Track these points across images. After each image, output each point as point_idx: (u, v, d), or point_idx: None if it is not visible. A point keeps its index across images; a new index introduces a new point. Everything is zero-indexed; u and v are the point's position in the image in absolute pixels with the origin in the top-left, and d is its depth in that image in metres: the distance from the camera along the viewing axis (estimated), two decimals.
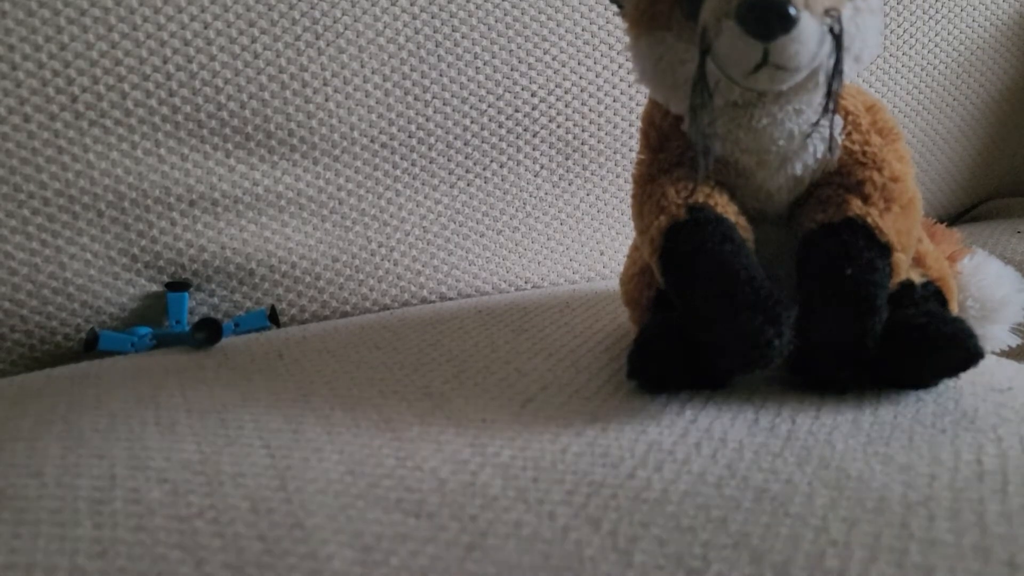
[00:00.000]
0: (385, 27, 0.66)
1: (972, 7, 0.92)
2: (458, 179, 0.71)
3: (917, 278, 0.42)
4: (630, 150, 0.77)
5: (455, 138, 0.70)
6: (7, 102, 0.57)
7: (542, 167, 0.74)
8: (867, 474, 0.31)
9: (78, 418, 0.42)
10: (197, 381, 0.47)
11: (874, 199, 0.39)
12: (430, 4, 0.68)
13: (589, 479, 0.32)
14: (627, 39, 0.42)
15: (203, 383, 0.46)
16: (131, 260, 0.62)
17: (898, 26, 0.88)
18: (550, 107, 0.73)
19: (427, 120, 0.69)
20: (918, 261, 0.43)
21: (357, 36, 0.66)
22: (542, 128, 0.73)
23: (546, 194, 0.74)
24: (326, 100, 0.65)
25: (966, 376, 0.39)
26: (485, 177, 0.72)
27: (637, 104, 0.76)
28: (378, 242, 0.69)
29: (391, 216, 0.69)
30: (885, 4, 0.87)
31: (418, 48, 0.68)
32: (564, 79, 0.73)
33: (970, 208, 1.02)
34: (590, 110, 0.75)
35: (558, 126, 0.74)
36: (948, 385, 0.39)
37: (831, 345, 0.37)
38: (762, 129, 0.40)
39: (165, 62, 0.60)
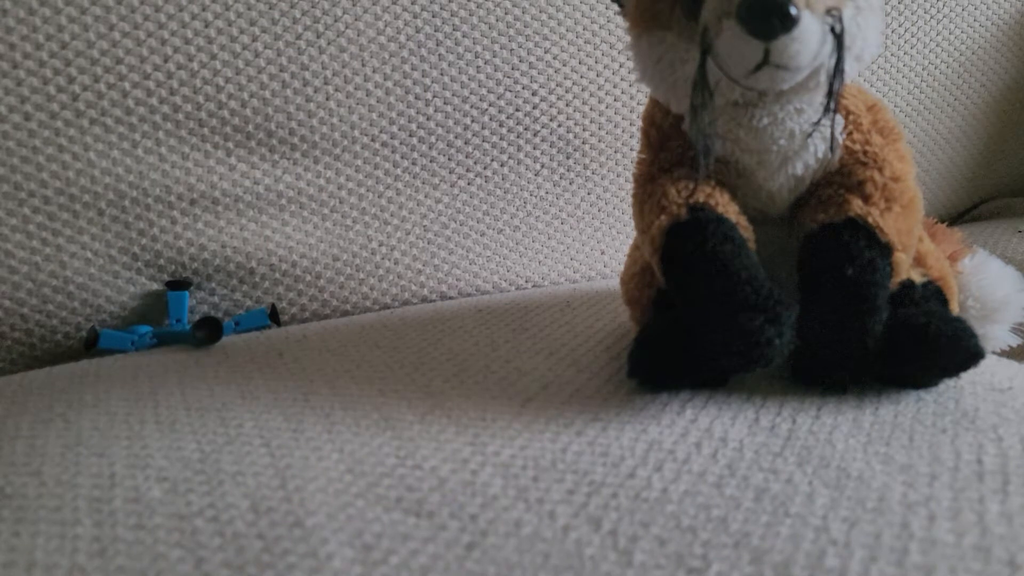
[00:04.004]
0: (386, 26, 0.66)
1: (973, 6, 0.92)
2: (458, 178, 0.71)
3: (918, 278, 0.42)
4: (631, 149, 0.77)
5: (455, 137, 0.70)
6: (7, 100, 0.57)
7: (542, 166, 0.74)
8: (867, 474, 0.31)
9: (78, 417, 0.42)
10: (197, 380, 0.47)
11: (875, 199, 0.39)
12: (431, 3, 0.68)
13: (589, 478, 0.32)
14: (628, 38, 0.42)
15: (203, 382, 0.46)
16: (131, 259, 0.62)
17: (899, 25, 0.88)
18: (550, 106, 0.73)
19: (427, 119, 0.69)
20: (919, 261, 0.43)
21: (358, 35, 0.66)
22: (542, 127, 0.73)
23: (547, 193, 0.74)
24: (327, 99, 0.65)
25: (967, 376, 0.39)
26: (485, 176, 0.72)
27: (638, 103, 0.76)
28: (379, 241, 0.69)
29: (392, 215, 0.69)
30: (886, 3, 0.87)
31: (419, 47, 0.68)
32: (564, 79, 0.73)
33: (971, 208, 1.02)
34: (590, 109, 0.75)
35: (558, 125, 0.74)
36: (949, 385, 0.39)
37: (832, 345, 0.37)
38: (763, 128, 0.40)
39: (166, 61, 0.60)
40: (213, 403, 0.42)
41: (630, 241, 0.50)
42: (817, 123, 0.39)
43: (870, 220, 0.38)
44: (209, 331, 0.57)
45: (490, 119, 0.71)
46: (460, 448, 0.35)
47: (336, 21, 0.65)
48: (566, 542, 0.28)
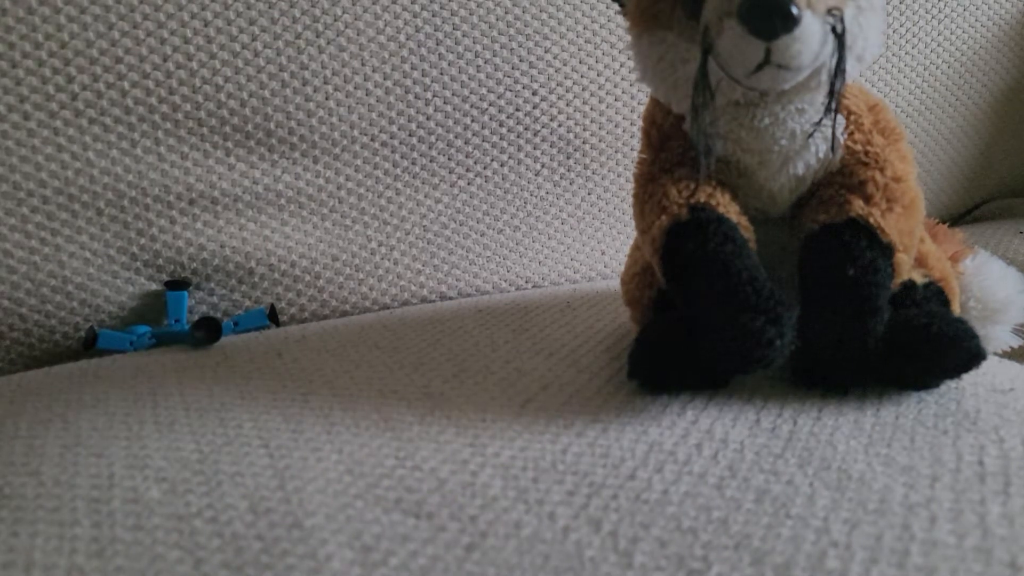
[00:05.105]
0: (386, 25, 0.66)
1: (975, 7, 0.92)
2: (458, 178, 0.71)
3: (919, 278, 0.42)
4: (631, 149, 0.77)
5: (455, 137, 0.70)
6: (6, 100, 0.57)
7: (543, 166, 0.74)
8: (869, 475, 0.31)
9: (77, 417, 0.42)
10: (196, 380, 0.47)
11: (876, 199, 0.39)
12: (431, 3, 0.68)
13: (590, 480, 0.32)
14: (628, 38, 0.42)
15: (202, 382, 0.46)
16: (130, 258, 0.61)
17: (900, 25, 0.88)
18: (551, 106, 0.73)
19: (427, 119, 0.69)
20: (920, 261, 0.43)
21: (357, 34, 0.66)
22: (543, 127, 0.73)
23: (547, 193, 0.74)
24: (326, 98, 0.65)
25: (968, 377, 0.39)
26: (486, 176, 0.72)
27: (638, 103, 0.76)
28: (378, 241, 0.69)
29: (391, 215, 0.69)
30: (888, 3, 0.87)
31: (419, 47, 0.67)
32: (565, 78, 0.73)
33: (972, 208, 1.02)
34: (591, 109, 0.74)
35: (559, 125, 0.73)
36: (950, 386, 0.39)
37: (833, 346, 0.37)
38: (764, 128, 0.40)
39: (165, 60, 0.60)
40: (212, 403, 0.42)
41: (630, 241, 0.50)
42: (818, 123, 0.39)
43: (871, 220, 0.38)
44: (208, 331, 0.57)
45: (490, 119, 0.71)
46: (460, 449, 0.35)
47: (336, 21, 0.65)
48: (566, 543, 0.28)
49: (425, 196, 0.70)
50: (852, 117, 0.41)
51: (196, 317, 0.61)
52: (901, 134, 0.42)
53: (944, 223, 0.53)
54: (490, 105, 0.71)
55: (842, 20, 0.36)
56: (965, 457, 0.32)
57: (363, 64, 0.66)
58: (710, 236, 0.37)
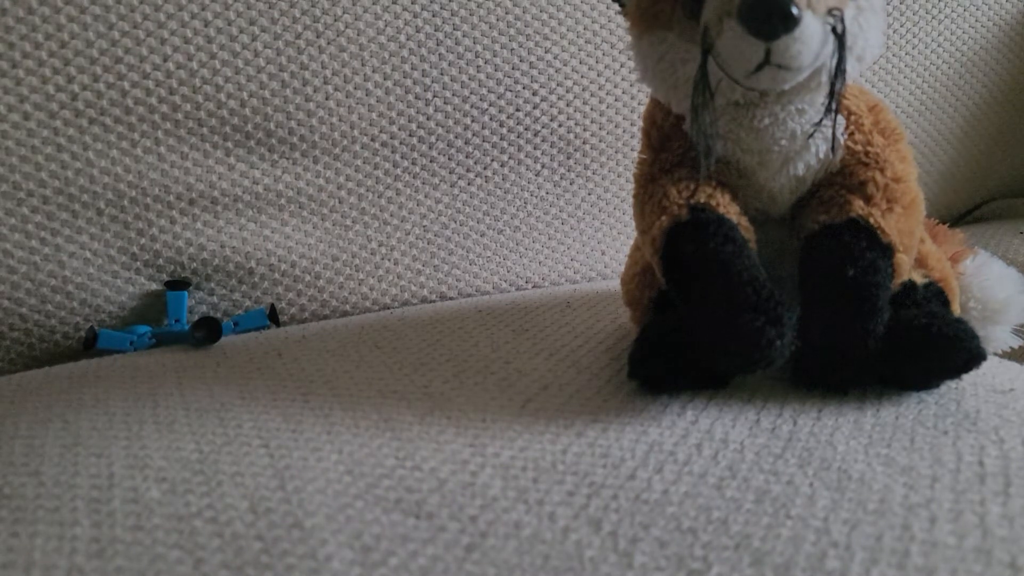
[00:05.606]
0: (386, 26, 0.66)
1: (975, 7, 0.92)
2: (458, 178, 0.71)
3: (919, 279, 0.42)
4: (631, 149, 0.77)
5: (455, 137, 0.70)
6: (6, 100, 0.57)
7: (543, 166, 0.74)
8: (869, 476, 0.31)
9: (77, 417, 0.42)
10: (196, 380, 0.47)
11: (876, 200, 0.39)
12: (431, 3, 0.68)
13: (590, 480, 0.32)
14: (628, 38, 0.42)
15: (202, 382, 0.46)
16: (130, 258, 0.61)
17: (900, 26, 0.88)
18: (551, 106, 0.73)
19: (427, 119, 0.69)
20: (920, 262, 0.43)
21: (358, 34, 0.66)
22: (543, 127, 0.73)
23: (547, 193, 0.74)
24: (326, 99, 0.65)
25: (968, 377, 0.39)
26: (486, 176, 0.72)
27: (638, 103, 0.76)
28: (378, 241, 0.69)
29: (391, 215, 0.69)
30: (888, 4, 0.87)
31: (419, 47, 0.67)
32: (565, 78, 0.73)
33: (972, 209, 1.01)
34: (591, 109, 0.74)
35: (559, 125, 0.73)
36: (950, 386, 0.39)
37: (833, 346, 0.37)
38: (764, 129, 0.40)
39: (165, 60, 0.60)
40: (212, 404, 0.42)
41: (630, 241, 0.50)
42: (818, 123, 0.39)
43: (872, 221, 0.38)
44: (208, 331, 0.57)
45: (490, 119, 0.71)
46: (460, 449, 0.35)
47: (336, 21, 0.65)
48: (566, 544, 0.28)
49: (425, 196, 0.70)
50: (852, 117, 0.41)
51: (196, 317, 0.61)
52: (901, 134, 0.42)
53: (944, 223, 0.53)
54: (490, 105, 0.71)
55: (842, 20, 0.36)
56: (965, 457, 0.32)
57: (363, 64, 0.66)
58: (710, 236, 0.37)
